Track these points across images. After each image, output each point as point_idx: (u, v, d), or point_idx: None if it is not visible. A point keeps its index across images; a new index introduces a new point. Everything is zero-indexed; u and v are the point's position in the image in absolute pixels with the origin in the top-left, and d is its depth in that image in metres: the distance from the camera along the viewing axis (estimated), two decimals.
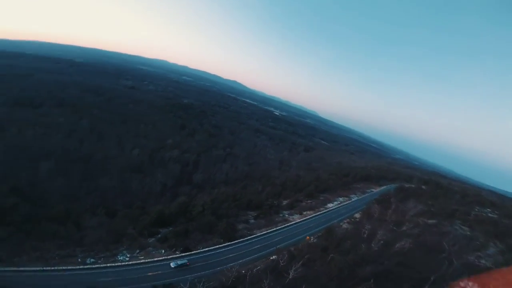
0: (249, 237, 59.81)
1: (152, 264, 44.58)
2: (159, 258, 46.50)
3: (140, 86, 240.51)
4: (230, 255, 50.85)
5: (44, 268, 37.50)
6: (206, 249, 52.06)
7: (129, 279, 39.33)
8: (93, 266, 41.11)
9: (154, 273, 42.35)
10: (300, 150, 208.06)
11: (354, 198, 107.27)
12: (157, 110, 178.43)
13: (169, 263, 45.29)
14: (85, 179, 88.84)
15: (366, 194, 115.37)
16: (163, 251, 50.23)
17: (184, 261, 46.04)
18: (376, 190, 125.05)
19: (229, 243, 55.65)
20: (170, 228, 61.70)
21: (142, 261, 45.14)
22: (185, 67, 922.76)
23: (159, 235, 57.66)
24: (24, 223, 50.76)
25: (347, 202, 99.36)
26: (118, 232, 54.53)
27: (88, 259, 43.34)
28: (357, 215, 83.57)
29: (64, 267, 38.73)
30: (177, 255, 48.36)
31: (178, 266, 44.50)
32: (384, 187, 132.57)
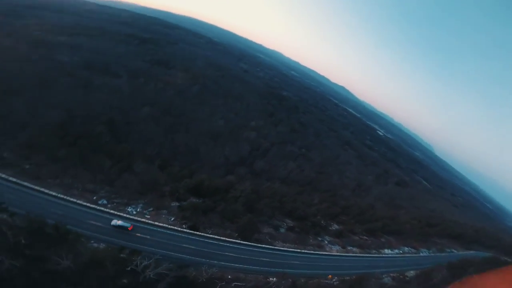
0: (265, 245, 50.27)
1: (143, 226, 41.99)
2: (157, 223, 43.55)
3: (252, 71, 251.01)
4: (228, 254, 43.20)
5: (58, 195, 39.71)
6: (212, 236, 46.14)
7: (107, 229, 37.82)
8: (97, 207, 41.44)
9: (139, 234, 39.52)
10: (390, 181, 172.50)
11: (424, 253, 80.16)
12: (256, 94, 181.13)
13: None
14: (168, 131, 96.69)
15: (443, 254, 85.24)
16: (172, 219, 47.32)
17: (127, 224, 39.68)
18: (459, 252, 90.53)
19: (240, 241, 47.92)
20: (200, 200, 58.85)
21: (138, 218, 43.08)
22: (297, 63, 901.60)
23: (185, 203, 55.34)
24: (91, 151, 56.80)
25: (410, 255, 74.70)
26: (151, 185, 54.94)
27: (102, 200, 44.37)
28: (411, 273, 60.35)
29: (72, 199, 40.20)
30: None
31: (117, 227, 38.93)
32: (471, 252, 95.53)
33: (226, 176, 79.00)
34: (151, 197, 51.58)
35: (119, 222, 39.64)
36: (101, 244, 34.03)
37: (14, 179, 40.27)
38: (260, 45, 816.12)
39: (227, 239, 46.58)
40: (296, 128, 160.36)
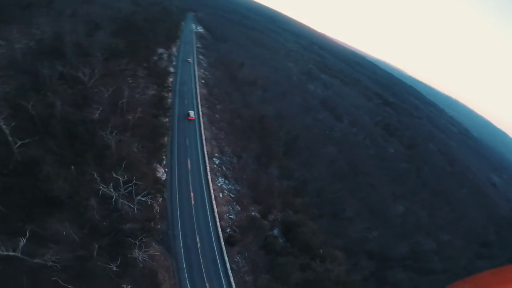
0: None
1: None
2: (215, 206, 39.06)
3: (505, 190, 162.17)
4: None
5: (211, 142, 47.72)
6: (227, 263, 32.74)
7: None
8: (213, 160, 44.12)
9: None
10: None
11: None
12: (485, 216, 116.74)
13: None
14: (335, 175, 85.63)
15: None
16: (232, 216, 40.46)
17: (192, 116, 56.46)
18: None
19: None
20: (276, 235, 46.34)
21: (213, 193, 41.02)
22: None
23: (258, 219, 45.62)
24: (260, 137, 62.93)
25: None
26: (261, 187, 51.19)
27: (219, 160, 48.82)
28: None
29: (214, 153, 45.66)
30: None
31: (186, 114, 56.71)
32: None
33: (336, 250, 56.67)
34: (248, 193, 48.37)
35: (191, 112, 56.42)
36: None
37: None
38: None
39: (231, 280, 30.94)
40: None
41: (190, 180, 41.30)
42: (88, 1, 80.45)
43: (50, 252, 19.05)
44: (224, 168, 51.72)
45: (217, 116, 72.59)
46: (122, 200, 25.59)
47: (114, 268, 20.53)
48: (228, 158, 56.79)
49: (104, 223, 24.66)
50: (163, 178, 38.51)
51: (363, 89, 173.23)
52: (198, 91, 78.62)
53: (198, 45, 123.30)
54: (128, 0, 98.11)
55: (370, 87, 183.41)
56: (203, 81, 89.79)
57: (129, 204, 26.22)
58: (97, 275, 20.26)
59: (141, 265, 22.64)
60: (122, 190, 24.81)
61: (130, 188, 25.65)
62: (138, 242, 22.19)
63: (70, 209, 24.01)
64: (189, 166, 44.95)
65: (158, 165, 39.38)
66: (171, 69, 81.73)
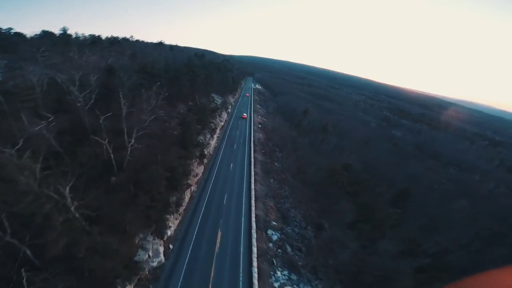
0: None
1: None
2: None
3: None
4: None
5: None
6: None
7: None
8: None
9: None
10: None
11: None
12: None
13: None
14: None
15: None
16: None
17: (245, 115, 69.68)
18: None
19: None
20: None
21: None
22: None
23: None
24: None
25: None
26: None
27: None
28: None
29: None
30: None
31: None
32: None
33: None
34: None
35: (244, 115, 67.86)
36: None
37: None
38: None
39: None
40: None
41: (212, 275, 17.99)
42: (155, 50, 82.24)
43: None
44: (288, 249, 26.87)
45: (276, 164, 51.12)
46: None
47: None
48: (296, 229, 32.22)
49: None
50: (153, 265, 16.29)
51: (458, 132, 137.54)
52: (252, 135, 61.25)
53: (256, 97, 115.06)
54: (192, 56, 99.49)
55: (467, 129, 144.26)
56: (259, 125, 73.41)
57: None
58: None
59: None
60: None
61: None
62: None
63: None
64: (217, 245, 22.33)
65: (152, 238, 18.07)
66: (224, 113, 68.75)
